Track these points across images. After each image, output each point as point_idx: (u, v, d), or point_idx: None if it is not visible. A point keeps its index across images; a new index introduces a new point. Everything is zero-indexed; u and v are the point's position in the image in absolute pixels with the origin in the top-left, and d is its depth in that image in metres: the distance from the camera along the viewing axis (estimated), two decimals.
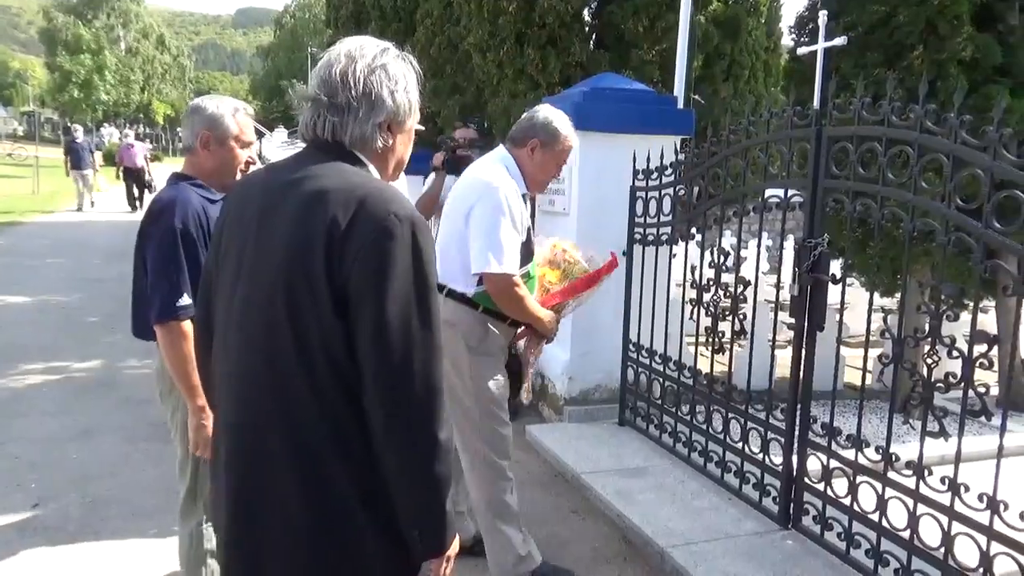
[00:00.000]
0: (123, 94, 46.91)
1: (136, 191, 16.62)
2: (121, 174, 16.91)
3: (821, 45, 5.55)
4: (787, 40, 7.90)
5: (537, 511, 3.52)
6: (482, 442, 2.67)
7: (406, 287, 1.23)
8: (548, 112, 2.73)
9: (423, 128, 3.94)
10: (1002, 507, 2.38)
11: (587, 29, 6.44)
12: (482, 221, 2.52)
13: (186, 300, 2.06)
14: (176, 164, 2.35)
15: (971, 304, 2.65)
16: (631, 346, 4.38)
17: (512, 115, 6.20)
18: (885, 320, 2.80)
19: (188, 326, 2.04)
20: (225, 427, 1.39)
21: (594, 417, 4.52)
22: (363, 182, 1.30)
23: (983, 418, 2.49)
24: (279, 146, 25.38)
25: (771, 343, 4.08)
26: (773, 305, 3.92)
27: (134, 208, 16.27)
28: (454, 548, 1.36)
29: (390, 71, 1.37)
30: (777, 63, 8.89)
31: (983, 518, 2.42)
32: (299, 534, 1.30)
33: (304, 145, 1.42)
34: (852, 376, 5.49)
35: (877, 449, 2.81)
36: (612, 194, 4.37)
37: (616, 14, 6.21)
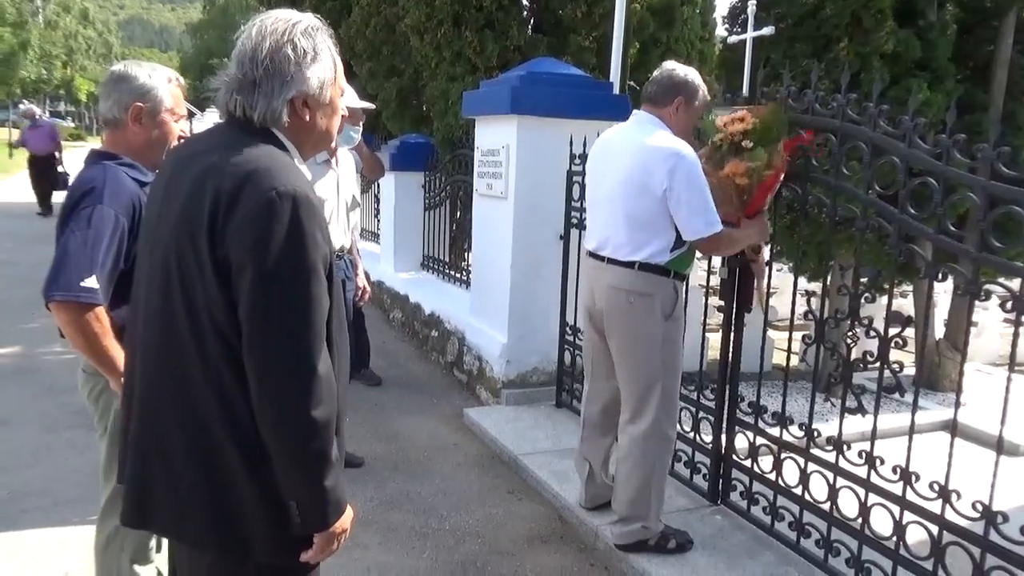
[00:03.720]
0: (44, 70, 44.54)
1: (44, 187, 12.49)
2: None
3: (750, 34, 5.69)
4: (721, 30, 8.09)
5: (474, 492, 3.54)
6: (661, 403, 2.76)
7: (282, 264, 1.25)
8: (684, 69, 2.79)
9: (372, 107, 3.89)
10: (914, 478, 2.51)
11: (525, 13, 6.44)
12: (688, 188, 2.57)
13: (92, 283, 1.84)
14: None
15: (896, 294, 2.77)
16: (568, 329, 4.43)
17: (450, 98, 6.16)
18: (809, 302, 2.91)
19: (99, 313, 1.86)
20: (133, 391, 1.43)
21: (532, 399, 4.56)
22: (255, 157, 1.31)
23: (897, 395, 2.61)
24: (210, 126, 24.64)
25: (703, 326, 4.18)
26: (705, 289, 4.03)
27: (47, 210, 12.41)
28: (341, 524, 1.39)
29: (298, 46, 1.37)
30: (711, 51, 9.07)
31: (897, 489, 2.55)
32: (184, 493, 1.35)
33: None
34: (781, 358, 5.66)
35: (800, 426, 2.92)
36: (549, 178, 4.39)
37: None
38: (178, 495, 1.35)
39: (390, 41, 7.18)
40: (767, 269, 3.01)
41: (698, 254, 2.91)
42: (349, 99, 3.59)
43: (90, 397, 2.14)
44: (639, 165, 2.64)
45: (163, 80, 2.08)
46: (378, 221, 8.01)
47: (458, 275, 6.37)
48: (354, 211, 3.77)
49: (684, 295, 2.83)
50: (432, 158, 6.85)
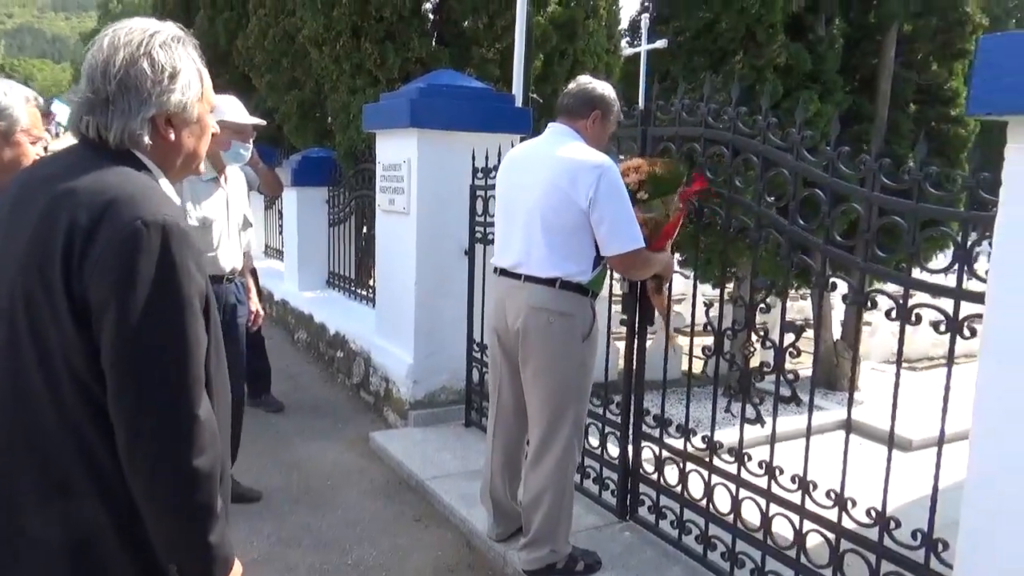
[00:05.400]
0: None
1: None
2: None
3: (644, 47, 5.78)
4: (623, 43, 8.21)
5: (380, 522, 3.40)
6: (572, 427, 2.70)
7: (151, 300, 1.13)
8: (600, 84, 2.76)
9: (262, 123, 3.71)
10: (811, 487, 2.53)
11: (428, 25, 6.35)
12: (612, 201, 2.52)
13: None
14: None
15: (797, 296, 2.81)
16: (476, 346, 4.34)
17: (352, 111, 6.00)
18: (707, 313, 2.91)
19: None
20: None
21: (441, 419, 4.45)
22: (115, 183, 1.18)
23: (794, 405, 2.64)
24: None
25: (607, 337, 4.16)
26: (611, 300, 4.01)
27: None
28: None
29: (156, 59, 1.24)
30: (617, 63, 9.22)
31: (796, 498, 2.57)
32: (40, 568, 1.19)
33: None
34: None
35: (703, 438, 2.92)
36: (452, 193, 4.31)
37: (456, 10, 6.16)
38: (31, 570, 1.19)
39: (290, 53, 6.96)
40: (668, 306, 3.00)
41: None
42: (238, 115, 3.41)
43: None
44: (562, 176, 2.56)
45: (20, 99, 1.95)
46: (282, 238, 7.75)
47: (364, 293, 6.20)
48: (246, 231, 3.58)
49: (597, 316, 2.78)
50: (335, 172, 6.66)
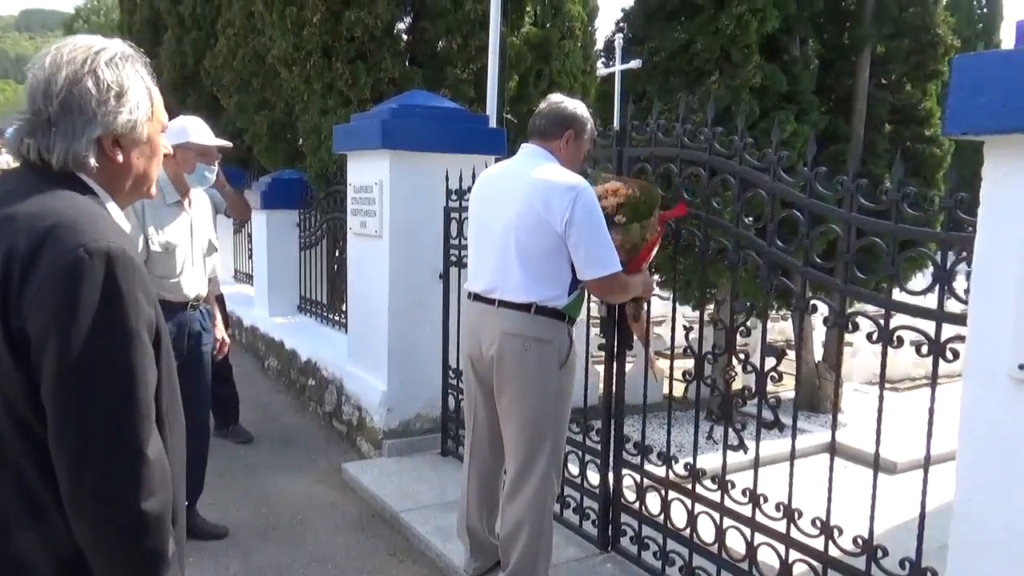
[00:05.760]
0: None
1: None
2: None
3: (618, 67, 5.76)
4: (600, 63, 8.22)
5: (352, 558, 3.27)
6: (550, 456, 2.60)
7: (94, 331, 1.06)
8: (571, 102, 2.72)
9: (228, 144, 3.61)
10: (797, 515, 2.46)
11: (401, 45, 6.29)
12: (588, 224, 2.46)
13: None
14: None
15: (777, 317, 2.74)
16: (451, 372, 4.23)
17: (323, 132, 5.91)
18: (687, 337, 2.84)
19: None
20: None
21: (416, 449, 4.32)
22: (57, 209, 1.12)
23: (776, 431, 2.57)
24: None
25: (586, 362, 4.08)
26: (593, 324, 3.95)
27: None
28: None
29: (102, 78, 1.18)
30: (593, 83, 9.25)
31: (781, 527, 2.49)
32: None
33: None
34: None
35: (685, 465, 2.84)
36: (425, 215, 4.22)
37: (429, 31, 6.11)
38: None
39: (259, 73, 6.87)
40: (648, 331, 2.92)
41: None
42: (202, 136, 3.31)
43: None
44: (537, 198, 2.49)
45: None
46: (252, 262, 7.61)
47: (336, 318, 6.07)
48: (211, 256, 3.47)
49: (575, 341, 2.70)
50: (306, 195, 6.55)
